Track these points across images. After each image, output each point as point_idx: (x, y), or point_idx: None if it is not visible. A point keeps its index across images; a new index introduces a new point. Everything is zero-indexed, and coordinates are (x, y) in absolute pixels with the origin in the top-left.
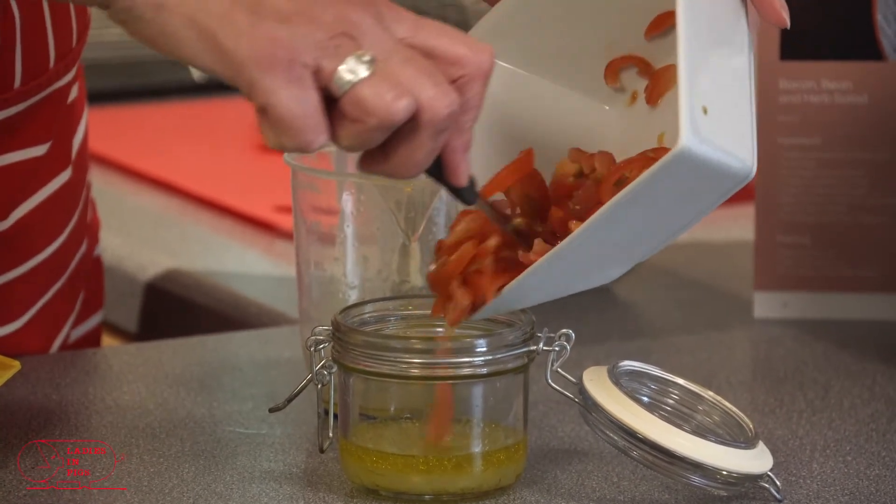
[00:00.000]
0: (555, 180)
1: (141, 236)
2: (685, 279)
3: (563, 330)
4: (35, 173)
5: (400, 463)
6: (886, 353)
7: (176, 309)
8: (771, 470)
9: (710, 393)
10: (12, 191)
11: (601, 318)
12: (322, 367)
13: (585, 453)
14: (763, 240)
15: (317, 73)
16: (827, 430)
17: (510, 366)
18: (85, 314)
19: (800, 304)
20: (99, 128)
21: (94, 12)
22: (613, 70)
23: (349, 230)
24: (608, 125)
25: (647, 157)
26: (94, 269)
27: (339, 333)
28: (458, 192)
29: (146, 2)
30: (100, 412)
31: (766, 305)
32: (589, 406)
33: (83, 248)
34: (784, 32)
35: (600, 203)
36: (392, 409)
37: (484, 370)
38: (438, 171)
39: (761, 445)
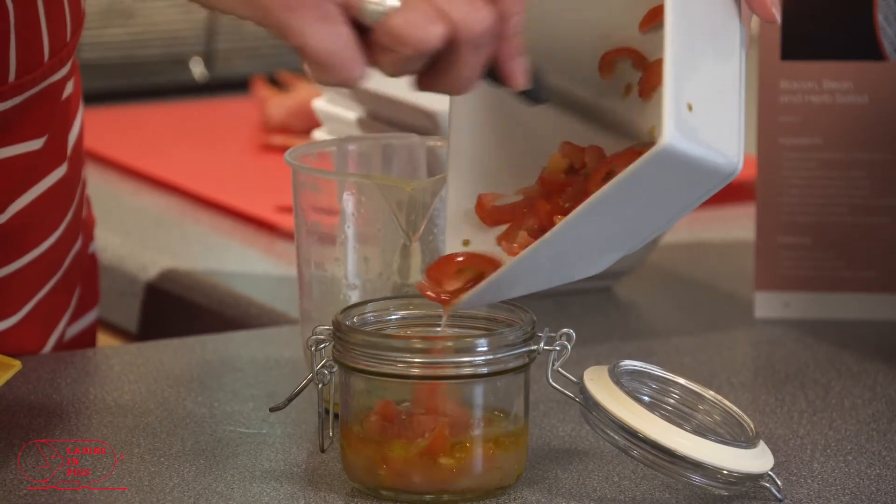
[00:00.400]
0: (546, 175)
1: (141, 236)
2: (686, 279)
3: (564, 329)
4: (31, 168)
5: (401, 462)
6: (887, 353)
7: (176, 309)
8: (772, 469)
9: (711, 392)
10: (9, 186)
11: (602, 318)
12: (323, 366)
13: (586, 453)
14: (764, 240)
15: (345, 7)
16: (828, 429)
17: (511, 365)
18: (80, 311)
19: (801, 305)
20: (100, 128)
21: (91, 11)
22: (608, 62)
23: (350, 230)
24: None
25: (634, 152)
26: (89, 266)
27: (340, 333)
28: (526, 95)
29: None
30: (100, 412)
31: (767, 305)
32: (590, 405)
33: (78, 245)
34: (785, 33)
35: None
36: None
37: (485, 370)
38: (497, 77)
39: (762, 445)
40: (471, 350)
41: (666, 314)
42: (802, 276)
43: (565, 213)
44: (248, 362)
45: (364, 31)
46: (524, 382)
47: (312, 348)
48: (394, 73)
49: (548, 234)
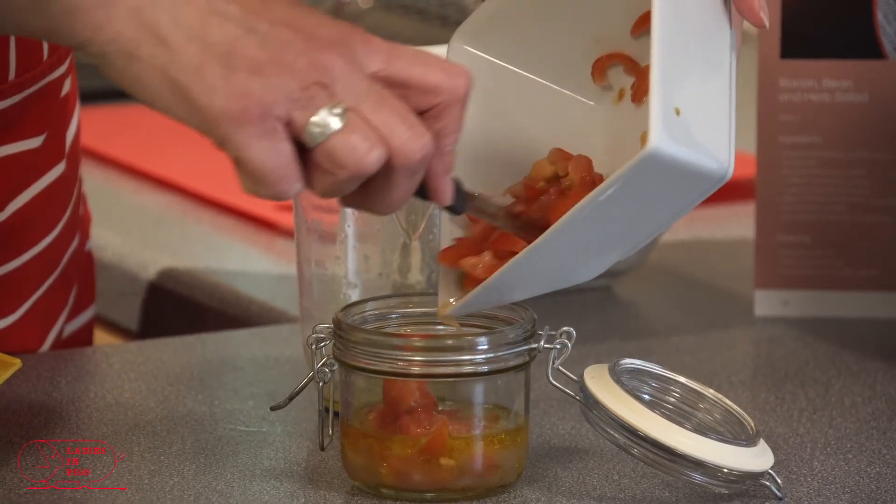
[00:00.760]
0: (527, 181)
1: (142, 235)
2: (686, 278)
3: (565, 328)
4: (30, 166)
5: (401, 461)
6: (887, 351)
7: (177, 307)
8: (772, 468)
9: (711, 391)
10: (7, 184)
11: (602, 317)
12: (323, 365)
13: (586, 451)
14: (764, 238)
15: (289, 125)
16: (828, 428)
17: (511, 364)
18: (78, 309)
19: (800, 303)
20: (99, 126)
21: None
22: (600, 68)
23: (350, 229)
24: (595, 123)
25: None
26: (86, 264)
27: (340, 331)
28: (446, 208)
29: (118, 51)
30: (100, 410)
31: (766, 304)
32: (590, 404)
33: (75, 243)
34: (785, 31)
35: (559, 213)
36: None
37: (485, 368)
38: (423, 192)
39: (762, 443)
40: (471, 348)
41: (666, 313)
42: (802, 274)
43: (537, 224)
44: (249, 361)
45: (303, 150)
46: (524, 381)
47: (313, 346)
48: (326, 194)
49: (538, 241)
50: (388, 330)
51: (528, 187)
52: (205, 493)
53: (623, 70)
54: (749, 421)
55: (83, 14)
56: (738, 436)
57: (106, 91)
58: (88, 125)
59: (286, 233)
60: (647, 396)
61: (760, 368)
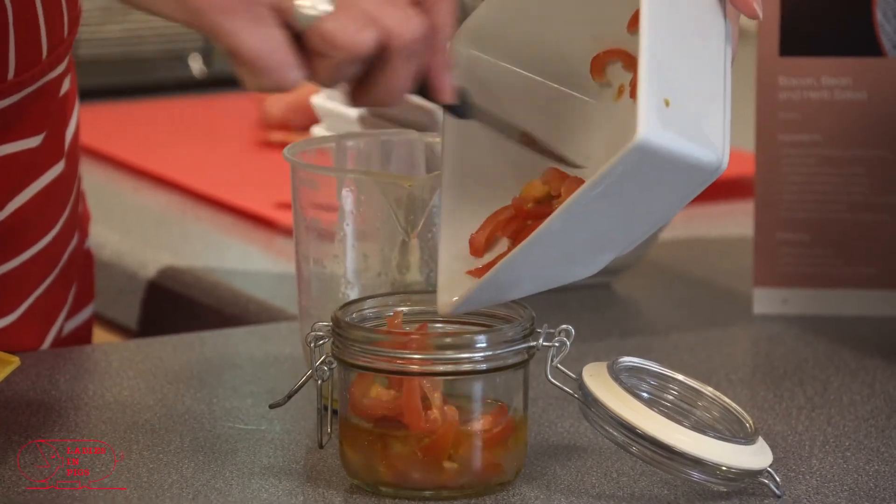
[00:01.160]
0: (517, 201)
1: (141, 233)
2: (685, 276)
3: (563, 326)
4: (29, 165)
5: (400, 459)
6: (886, 349)
7: (176, 306)
8: (770, 465)
9: (710, 389)
10: (7, 183)
11: (601, 315)
12: (322, 363)
13: (585, 449)
14: (763, 236)
15: (278, 11)
16: (826, 426)
17: (510, 362)
18: (77, 307)
19: (799, 301)
20: (99, 124)
21: (89, 7)
22: (599, 65)
23: (348, 227)
24: (596, 120)
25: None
26: (85, 262)
27: (339, 329)
28: (451, 110)
29: None
30: (99, 408)
31: (765, 302)
32: (589, 402)
33: (75, 241)
34: (784, 29)
35: None
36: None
37: (484, 366)
38: (427, 96)
39: (761, 441)
40: (470, 346)
41: (665, 311)
42: (801, 272)
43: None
44: (247, 359)
45: (297, 38)
46: (523, 379)
47: (311, 345)
48: (328, 79)
49: (532, 236)
50: (387, 328)
51: (517, 208)
52: (203, 491)
53: (622, 66)
54: (748, 419)
55: None
56: (737, 434)
57: (105, 89)
58: (87, 123)
59: (285, 231)
60: (645, 394)
61: (759, 366)
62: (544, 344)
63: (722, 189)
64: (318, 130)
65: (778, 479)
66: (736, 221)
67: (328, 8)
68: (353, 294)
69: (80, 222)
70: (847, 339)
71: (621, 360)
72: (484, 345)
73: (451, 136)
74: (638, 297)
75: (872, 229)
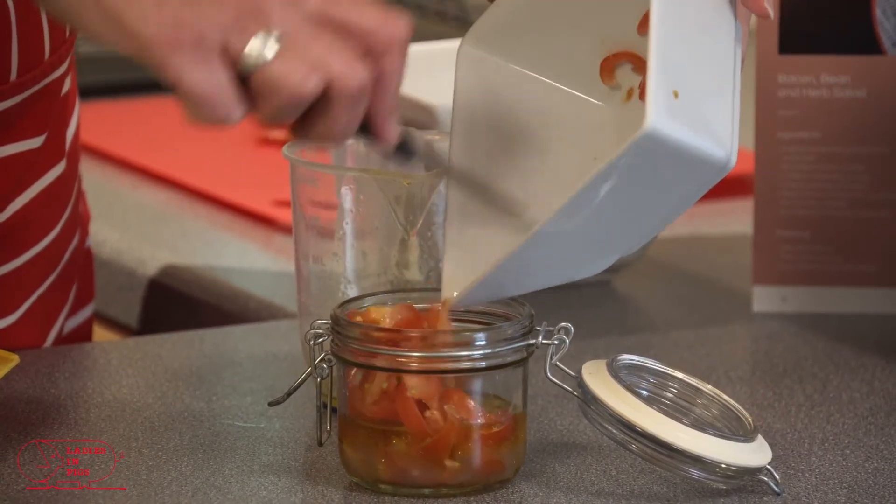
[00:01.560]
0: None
1: (140, 231)
2: (684, 273)
3: (563, 324)
4: (31, 166)
5: (400, 457)
6: (886, 347)
7: (175, 304)
8: (770, 463)
9: (709, 386)
10: (9, 184)
11: (600, 312)
12: (321, 360)
13: (584, 447)
14: (762, 234)
15: (224, 52)
16: (826, 423)
17: (509, 359)
18: (77, 306)
19: (799, 299)
20: (97, 122)
21: None
22: (608, 67)
23: (348, 225)
24: (605, 123)
25: None
26: (85, 261)
27: (338, 327)
28: (394, 154)
29: None
30: (98, 406)
31: (765, 300)
32: (588, 399)
33: (75, 240)
34: (783, 27)
35: None
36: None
37: (483, 364)
38: (371, 138)
39: (760, 439)
40: (469, 344)
41: (664, 308)
42: (801, 270)
43: None
44: (247, 356)
45: (244, 80)
46: (522, 376)
47: (311, 342)
48: (270, 119)
49: (537, 229)
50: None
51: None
52: (203, 489)
53: (631, 69)
54: (747, 416)
55: None
56: (736, 431)
57: (104, 87)
58: (86, 121)
59: (284, 229)
60: (644, 392)
61: (759, 364)
62: (543, 342)
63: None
64: None
65: (777, 476)
66: (735, 219)
67: (273, 52)
68: (352, 292)
69: (80, 222)
70: (847, 337)
71: (621, 357)
72: (483, 342)
73: (457, 139)
74: (637, 294)
75: (872, 227)
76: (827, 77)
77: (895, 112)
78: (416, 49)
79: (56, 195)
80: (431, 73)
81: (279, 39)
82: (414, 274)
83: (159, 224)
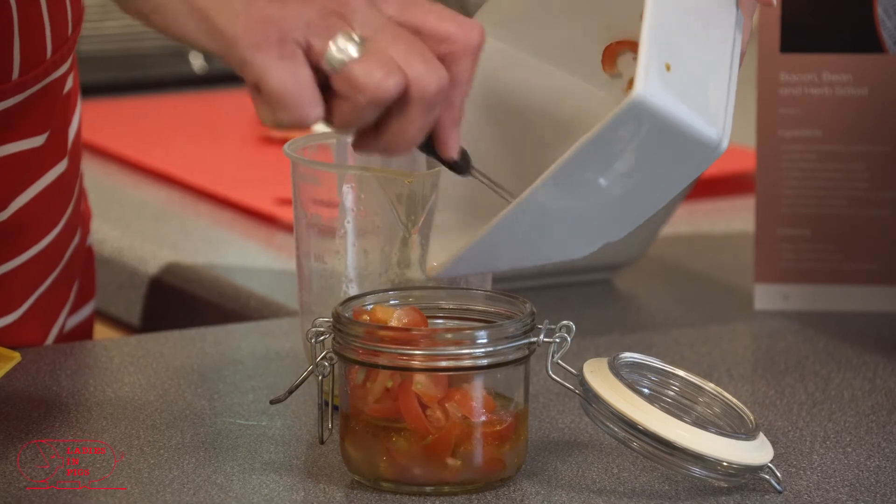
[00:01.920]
0: None
1: (142, 229)
2: (686, 272)
3: (564, 321)
4: (33, 164)
5: (400, 455)
6: (887, 345)
7: (177, 302)
8: (771, 461)
9: (711, 385)
10: (11, 182)
11: (602, 310)
12: (322, 358)
13: (586, 445)
14: (764, 232)
15: (308, 51)
16: (827, 421)
17: (511, 357)
18: (79, 304)
19: (800, 297)
20: (99, 120)
21: (89, 3)
22: (610, 55)
23: (349, 223)
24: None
25: None
26: (87, 259)
27: (340, 325)
28: (451, 165)
29: None
30: (100, 404)
31: (766, 298)
32: (589, 397)
33: (77, 239)
34: (784, 25)
35: None
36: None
37: (485, 361)
38: (431, 146)
39: (762, 437)
40: (471, 342)
41: (666, 306)
42: (802, 268)
43: None
44: (248, 354)
45: (324, 80)
46: (524, 374)
47: (312, 340)
48: (346, 122)
49: (526, 193)
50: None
51: None
52: (204, 487)
53: (633, 58)
54: (748, 414)
55: None
56: (738, 429)
57: (106, 85)
58: (88, 120)
59: (286, 227)
60: (646, 390)
61: (760, 362)
62: (545, 340)
63: (723, 185)
64: (319, 126)
65: (779, 474)
66: (737, 217)
67: (355, 52)
68: (353, 290)
69: (81, 220)
70: (848, 335)
71: (622, 355)
72: (485, 341)
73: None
74: (639, 292)
75: (873, 225)
76: (828, 75)
77: None
78: None
79: (58, 194)
80: None
81: (361, 41)
82: (415, 272)
83: (161, 222)
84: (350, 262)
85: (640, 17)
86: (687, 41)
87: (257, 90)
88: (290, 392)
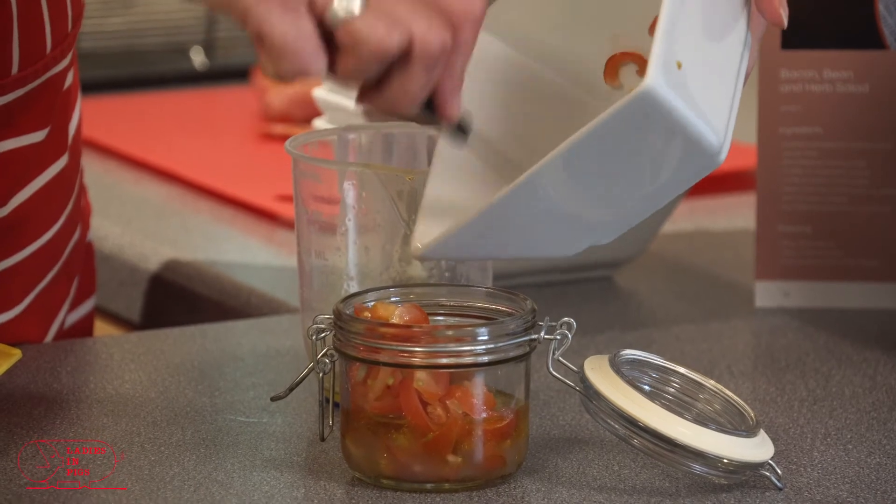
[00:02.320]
0: None
1: (142, 226)
2: (687, 268)
3: (565, 319)
4: (33, 160)
5: (401, 452)
6: (888, 342)
7: (177, 299)
8: (772, 458)
9: (712, 381)
10: (11, 178)
11: (603, 307)
12: (323, 355)
13: (586, 442)
14: (764, 229)
15: (311, 5)
16: (828, 418)
17: (512, 354)
18: (79, 300)
19: (801, 294)
20: (100, 117)
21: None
22: (613, 67)
23: (350, 220)
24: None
25: None
26: (87, 255)
27: (341, 322)
28: (452, 132)
29: None
30: (100, 401)
31: (767, 295)
32: (590, 394)
33: (77, 235)
34: None
35: None
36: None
37: (485, 359)
38: (432, 114)
39: (762, 434)
40: (471, 339)
41: (666, 303)
42: (803, 265)
43: None
44: (249, 352)
45: (326, 34)
46: (525, 371)
47: (313, 337)
48: (349, 75)
49: (522, 178)
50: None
51: None
52: (205, 484)
53: (636, 71)
54: (749, 411)
55: None
56: (738, 426)
57: (106, 81)
58: (88, 116)
59: (286, 224)
60: (647, 387)
61: (761, 359)
62: (546, 337)
63: (723, 181)
64: (319, 123)
65: (779, 471)
66: (737, 214)
67: (359, 7)
68: (354, 287)
69: (82, 216)
70: (849, 332)
71: (623, 352)
72: (486, 337)
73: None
74: (639, 289)
75: (874, 222)
76: (829, 72)
77: None
78: None
79: (58, 190)
80: None
81: None
82: (416, 269)
83: (161, 219)
84: (351, 259)
85: (648, 31)
86: (697, 50)
87: (260, 41)
88: (291, 389)
